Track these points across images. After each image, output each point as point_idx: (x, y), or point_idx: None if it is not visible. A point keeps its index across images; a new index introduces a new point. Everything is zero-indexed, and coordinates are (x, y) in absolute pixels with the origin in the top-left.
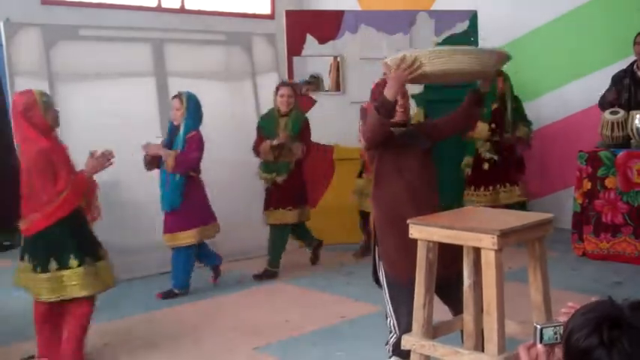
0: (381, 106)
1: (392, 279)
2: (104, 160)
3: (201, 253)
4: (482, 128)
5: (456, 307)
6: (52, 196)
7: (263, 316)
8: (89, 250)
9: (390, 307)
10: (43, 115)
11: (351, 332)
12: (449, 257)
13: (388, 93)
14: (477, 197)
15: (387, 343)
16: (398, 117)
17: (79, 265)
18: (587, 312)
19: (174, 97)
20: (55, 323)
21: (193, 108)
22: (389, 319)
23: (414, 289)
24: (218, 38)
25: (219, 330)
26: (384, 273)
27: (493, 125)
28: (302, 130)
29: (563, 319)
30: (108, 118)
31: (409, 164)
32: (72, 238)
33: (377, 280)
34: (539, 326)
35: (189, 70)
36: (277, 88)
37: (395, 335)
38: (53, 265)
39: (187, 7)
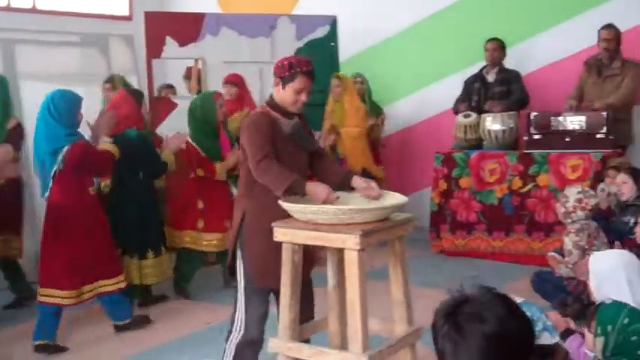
0: (290, 190)
1: (254, 282)
2: None
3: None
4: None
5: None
6: None
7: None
8: None
9: (241, 305)
10: None
11: (217, 337)
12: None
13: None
14: None
15: (227, 340)
16: (295, 109)
17: None
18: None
19: None
20: None
21: None
22: (237, 316)
23: (275, 295)
24: (73, 39)
25: (91, 339)
26: (245, 274)
27: None
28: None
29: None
30: None
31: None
32: None
33: (232, 272)
34: None
35: (42, 73)
36: None
37: (240, 335)
38: None
39: (39, 6)
